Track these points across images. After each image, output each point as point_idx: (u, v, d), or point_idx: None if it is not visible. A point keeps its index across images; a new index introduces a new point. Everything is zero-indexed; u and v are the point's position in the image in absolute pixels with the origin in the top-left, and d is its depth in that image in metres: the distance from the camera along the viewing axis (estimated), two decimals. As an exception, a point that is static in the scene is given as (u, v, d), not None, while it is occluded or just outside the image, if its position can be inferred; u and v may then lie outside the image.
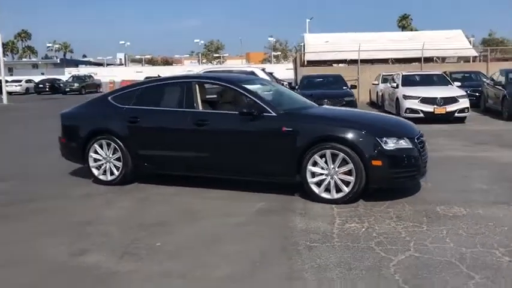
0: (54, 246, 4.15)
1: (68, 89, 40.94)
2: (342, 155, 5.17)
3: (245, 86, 6.00)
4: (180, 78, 6.65)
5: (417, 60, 24.18)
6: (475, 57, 27.70)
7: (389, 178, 5.23)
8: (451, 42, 25.93)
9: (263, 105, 5.63)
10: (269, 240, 4.21)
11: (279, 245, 4.09)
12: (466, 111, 13.39)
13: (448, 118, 13.19)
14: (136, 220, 4.86)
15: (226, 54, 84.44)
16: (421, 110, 13.22)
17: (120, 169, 6.25)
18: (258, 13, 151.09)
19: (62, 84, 42.38)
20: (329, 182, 5.27)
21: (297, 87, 19.20)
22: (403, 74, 15.71)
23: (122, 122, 6.20)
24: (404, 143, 5.26)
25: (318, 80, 16.36)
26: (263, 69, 17.44)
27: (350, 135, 5.19)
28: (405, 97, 13.71)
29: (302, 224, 4.61)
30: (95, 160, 6.40)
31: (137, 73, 47.07)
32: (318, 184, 5.32)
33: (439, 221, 4.60)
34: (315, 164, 5.31)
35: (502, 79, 15.13)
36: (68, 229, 4.62)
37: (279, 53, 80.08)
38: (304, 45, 29.20)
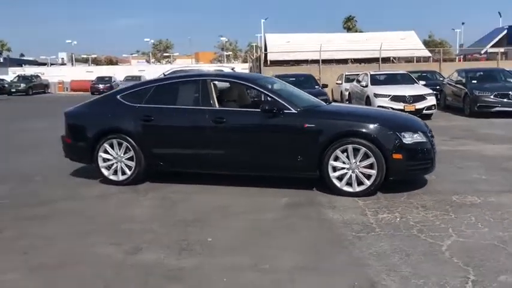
0: (103, 245, 4.09)
1: (14, 90, 39.18)
2: (363, 149, 5.40)
3: (262, 83, 6.11)
4: (195, 76, 6.65)
5: (375, 60, 25.09)
6: (429, 57, 29.14)
7: (408, 170, 5.52)
8: (405, 43, 27.13)
9: (283, 102, 5.76)
10: (315, 232, 4.36)
11: (327, 236, 4.25)
12: (433, 108, 14.12)
13: (417, 115, 13.81)
14: (172, 218, 4.85)
15: (176, 54, 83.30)
16: (392, 108, 13.74)
17: (132, 169, 6.18)
18: (207, 12, 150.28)
19: (6, 85, 40.35)
20: (350, 175, 5.49)
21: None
22: (371, 73, 16.30)
23: (134, 121, 6.13)
24: (419, 137, 5.56)
25: (291, 79, 16.61)
26: (232, 69, 17.53)
27: (372, 131, 5.43)
28: (376, 95, 14.26)
29: (337, 216, 4.79)
30: (105, 160, 6.29)
31: (88, 73, 45.62)
32: (339, 178, 5.53)
33: (462, 209, 4.91)
34: (336, 158, 5.51)
35: (460, 78, 16.07)
36: (105, 228, 4.55)
37: (230, 53, 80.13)
38: (265, 45, 29.49)
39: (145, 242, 4.14)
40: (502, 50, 39.09)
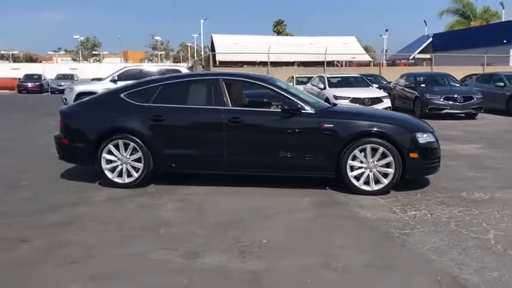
0: (155, 251, 3.88)
1: None
2: (382, 149, 5.56)
3: (276, 83, 6.09)
4: (206, 76, 6.46)
5: (320, 63, 25.81)
6: (369, 61, 30.50)
7: (422, 169, 5.75)
8: (347, 48, 28.19)
9: (300, 102, 5.79)
10: (360, 231, 4.42)
11: (374, 234, 4.32)
12: (389, 110, 14.78)
13: (375, 117, 14.44)
14: (207, 220, 4.70)
15: (106, 52, 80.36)
16: (352, 110, 14.29)
17: (140, 170, 5.91)
18: (138, 11, 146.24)
19: None
20: (368, 174, 5.63)
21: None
22: (328, 76, 16.75)
23: (142, 121, 5.87)
24: (429, 137, 5.81)
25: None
26: (189, 68, 17.28)
27: (391, 131, 5.60)
28: (336, 97, 14.65)
29: (369, 215, 4.89)
30: (108, 162, 5.97)
31: (13, 70, 42.76)
32: (357, 177, 5.65)
33: (481, 204, 5.20)
34: (354, 158, 5.63)
35: (409, 82, 16.99)
36: (145, 234, 4.32)
37: (163, 52, 78.70)
38: (212, 45, 29.29)
39: (197, 246, 3.99)
40: (428, 56, 41.75)
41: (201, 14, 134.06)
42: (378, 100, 14.66)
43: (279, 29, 76.66)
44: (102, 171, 5.97)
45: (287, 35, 67.48)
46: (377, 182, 5.64)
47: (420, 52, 42.42)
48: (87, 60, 78.86)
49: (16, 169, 7.17)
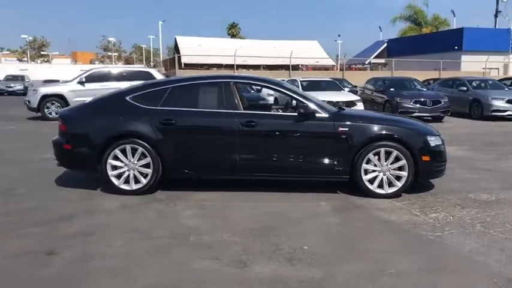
0: (198, 261, 3.72)
1: None
2: (395, 152, 5.63)
3: (288, 86, 6.04)
4: (216, 78, 6.28)
5: (285, 67, 25.99)
6: (332, 65, 31.03)
7: (433, 172, 5.86)
8: (311, 52, 28.56)
9: (313, 105, 5.77)
10: (393, 234, 4.44)
11: (409, 237, 4.34)
12: (363, 113, 15.09)
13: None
14: (235, 227, 4.56)
15: (55, 53, 77.42)
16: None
17: (149, 176, 5.69)
18: (89, 12, 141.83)
19: None
20: (381, 178, 5.69)
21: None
22: (301, 79, 16.88)
23: (152, 124, 5.65)
24: (437, 140, 5.94)
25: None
26: (158, 70, 16.98)
27: (404, 134, 5.68)
28: (311, 101, 14.80)
29: (395, 218, 4.92)
30: (114, 168, 5.70)
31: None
32: (370, 181, 5.69)
33: (492, 205, 5.35)
34: (368, 161, 5.67)
35: (378, 86, 17.45)
36: (178, 243, 4.14)
37: (116, 53, 76.78)
38: (176, 47, 28.83)
39: (239, 254, 3.86)
40: (382, 61, 43.06)
41: (153, 16, 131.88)
42: (352, 104, 14.87)
43: (233, 31, 76.59)
44: (107, 177, 5.70)
45: (241, 38, 67.67)
46: (390, 185, 5.70)
47: (376, 57, 43.68)
48: (34, 61, 75.62)
49: (3, 177, 6.73)
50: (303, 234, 4.39)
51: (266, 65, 27.84)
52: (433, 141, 5.80)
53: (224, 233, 4.38)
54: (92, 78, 16.38)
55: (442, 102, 15.63)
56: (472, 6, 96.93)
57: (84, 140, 5.76)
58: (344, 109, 6.30)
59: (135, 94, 5.91)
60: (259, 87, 6.47)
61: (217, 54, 25.17)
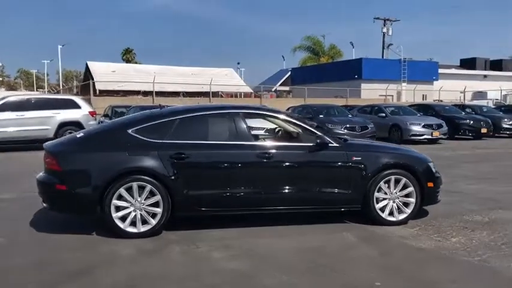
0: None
1: None
2: (404, 179, 5.79)
3: (296, 117, 5.95)
4: (223, 109, 5.93)
5: (205, 94, 25.80)
6: (250, 93, 31.43)
7: (435, 197, 6.10)
8: (229, 79, 28.71)
9: (324, 136, 5.75)
10: (439, 263, 4.50)
11: (455, 264, 4.44)
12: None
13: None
14: (286, 265, 4.33)
15: None
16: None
17: (158, 216, 5.20)
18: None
19: None
20: (391, 205, 5.80)
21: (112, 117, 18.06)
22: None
23: (161, 159, 5.20)
24: (434, 167, 6.23)
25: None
26: (82, 98, 16.03)
27: (413, 162, 5.89)
28: (252, 128, 14.81)
29: (424, 245, 4.98)
30: (118, 209, 5.13)
31: None
32: (381, 209, 5.77)
33: (494, 226, 5.68)
34: (379, 190, 5.75)
35: (307, 113, 18.04)
36: (241, 290, 3.80)
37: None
38: (86, 73, 27.19)
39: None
40: (287, 88, 44.80)
41: (38, 40, 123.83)
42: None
43: (128, 57, 74.53)
44: (110, 220, 5.10)
45: (136, 63, 66.22)
46: (400, 212, 5.82)
47: (281, 85, 45.32)
48: None
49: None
50: (358, 269, 4.28)
51: (186, 92, 27.43)
52: (434, 168, 6.07)
53: (280, 275, 4.12)
54: (7, 106, 14.83)
55: (369, 128, 16.59)
56: (364, 40, 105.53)
57: (84, 179, 5.12)
58: (347, 139, 6.36)
59: (139, 127, 5.41)
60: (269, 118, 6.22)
61: (134, 80, 24.21)
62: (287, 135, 6.23)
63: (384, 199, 5.77)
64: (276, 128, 6.86)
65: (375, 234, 5.41)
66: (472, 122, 19.37)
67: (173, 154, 5.24)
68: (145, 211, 5.19)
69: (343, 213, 5.93)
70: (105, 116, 19.18)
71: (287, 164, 5.57)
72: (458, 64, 53.74)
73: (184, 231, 5.40)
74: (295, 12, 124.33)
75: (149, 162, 5.19)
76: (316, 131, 5.78)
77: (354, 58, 41.77)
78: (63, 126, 15.11)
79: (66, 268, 4.25)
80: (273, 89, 44.78)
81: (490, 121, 19.63)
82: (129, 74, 25.50)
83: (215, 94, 27.77)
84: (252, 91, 32.78)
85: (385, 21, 48.42)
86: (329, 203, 5.74)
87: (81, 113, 15.44)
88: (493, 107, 26.36)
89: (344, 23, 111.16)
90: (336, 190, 5.66)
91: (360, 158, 5.70)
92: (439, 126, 17.72)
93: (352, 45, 47.02)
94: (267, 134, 6.79)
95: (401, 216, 5.81)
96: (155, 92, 23.24)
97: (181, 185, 5.23)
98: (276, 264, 4.40)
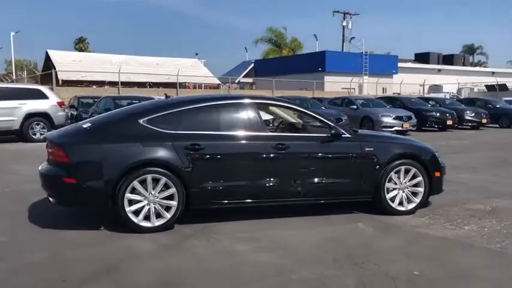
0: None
1: None
2: (414, 169, 5.84)
3: (310, 107, 5.85)
4: (235, 99, 5.74)
5: (172, 85, 25.22)
6: (218, 84, 31.03)
7: (441, 186, 6.18)
8: (196, 70, 28.23)
9: (338, 126, 5.71)
10: (465, 251, 4.55)
11: (480, 252, 4.50)
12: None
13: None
14: (316, 257, 4.27)
15: None
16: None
17: (173, 209, 5.01)
18: None
19: None
20: (401, 195, 5.84)
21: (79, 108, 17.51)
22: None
23: (176, 151, 4.99)
24: (438, 157, 6.31)
25: (127, 101, 15.35)
26: (48, 87, 15.41)
27: (421, 152, 5.94)
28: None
29: (441, 234, 5.03)
30: (131, 202, 4.90)
31: None
32: (392, 199, 5.80)
33: (499, 214, 5.80)
34: (389, 180, 5.78)
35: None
36: (291, 281, 3.69)
37: None
38: (46, 62, 25.96)
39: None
40: (251, 80, 44.70)
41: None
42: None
43: (81, 46, 71.97)
44: (124, 214, 4.86)
45: (89, 52, 64.17)
46: (409, 201, 5.87)
47: (244, 76, 45.13)
48: None
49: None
50: (390, 260, 4.25)
51: (152, 83, 26.74)
52: (439, 157, 6.16)
53: (315, 267, 4.03)
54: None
55: (343, 120, 16.74)
56: (324, 34, 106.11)
57: (95, 171, 4.84)
58: (357, 130, 6.34)
59: (150, 117, 5.16)
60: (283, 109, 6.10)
61: (96, 70, 23.34)
62: (297, 126, 6.15)
63: (394, 189, 5.80)
64: (278, 118, 6.77)
65: (388, 225, 5.42)
66: (438, 114, 19.98)
67: (188, 145, 5.04)
68: (159, 204, 4.98)
69: (350, 204, 5.92)
70: (71, 107, 18.46)
71: (303, 155, 5.49)
72: (413, 58, 55.37)
73: (196, 225, 5.22)
74: (257, 3, 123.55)
75: (164, 153, 4.97)
76: (329, 122, 5.73)
77: (317, 51, 42.09)
78: (30, 117, 14.41)
79: (88, 265, 4.00)
80: (236, 81, 44.59)
81: (455, 113, 20.30)
82: (92, 64, 24.55)
83: (181, 85, 27.31)
84: (219, 82, 32.44)
85: (344, 14, 49.22)
86: (342, 194, 5.71)
87: (49, 103, 14.73)
88: (452, 100, 27.27)
89: (304, 16, 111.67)
90: (350, 181, 5.64)
91: (372, 149, 5.69)
92: (409, 118, 18.17)
93: (316, 38, 47.55)
94: (276, 124, 6.64)
95: (410, 206, 5.86)
96: (121, 82, 22.52)
97: (196, 177, 5.05)
98: (303, 256, 4.32)
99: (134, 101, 15.44)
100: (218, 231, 5.03)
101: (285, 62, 41.66)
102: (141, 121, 5.12)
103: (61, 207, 5.34)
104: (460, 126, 21.44)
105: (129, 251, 4.40)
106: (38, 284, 3.66)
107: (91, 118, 5.73)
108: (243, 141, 5.30)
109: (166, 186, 4.98)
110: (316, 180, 5.51)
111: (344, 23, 49.33)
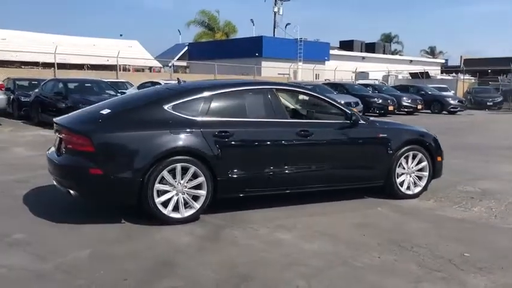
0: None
1: None
2: (420, 155, 6.07)
3: (327, 94, 5.84)
4: (257, 85, 5.55)
5: (112, 67, 23.95)
6: (160, 67, 29.86)
7: (441, 171, 6.48)
8: (134, 52, 27.02)
9: (356, 113, 5.78)
10: (490, 232, 4.81)
11: (500, 233, 4.78)
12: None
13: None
14: (363, 243, 4.33)
15: None
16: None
17: (202, 199, 4.82)
18: None
19: None
20: (408, 180, 6.05)
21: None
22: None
23: (206, 138, 4.79)
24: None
25: (77, 84, 14.37)
26: None
27: (428, 138, 6.17)
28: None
29: (459, 216, 5.31)
30: (159, 193, 4.65)
31: None
32: (400, 184, 6.00)
33: (495, 195, 6.23)
34: (399, 165, 5.96)
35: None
36: (371, 267, 3.70)
37: None
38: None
39: (417, 272, 3.69)
40: (185, 63, 43.76)
41: None
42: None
43: None
44: (153, 206, 4.59)
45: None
46: (416, 185, 6.10)
47: (178, 59, 43.98)
48: None
49: None
50: (429, 242, 4.39)
51: (91, 65, 25.20)
52: (439, 143, 6.44)
53: (369, 253, 4.08)
54: None
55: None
56: (257, 18, 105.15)
57: (124, 161, 4.52)
58: (369, 117, 6.44)
59: (175, 103, 4.89)
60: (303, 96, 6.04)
61: (32, 50, 21.52)
62: (315, 113, 6.13)
63: (402, 174, 5.99)
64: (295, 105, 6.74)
65: (404, 208, 5.60)
66: (381, 100, 20.88)
67: (217, 132, 4.85)
68: (188, 194, 4.76)
69: (357, 190, 6.02)
70: (7, 89, 16.97)
71: (326, 141, 5.51)
72: (338, 46, 57.04)
73: (222, 214, 5.07)
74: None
75: (194, 141, 4.74)
76: (346, 109, 5.77)
77: (254, 36, 42.02)
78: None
79: (138, 261, 3.76)
80: (170, 64, 43.50)
81: (395, 99, 21.31)
82: (24, 43, 22.62)
83: (122, 68, 26.13)
84: (161, 66, 31.38)
85: (276, 0, 49.48)
86: (359, 180, 5.81)
87: (-13, 86, 13.47)
88: (387, 86, 28.53)
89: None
90: (366, 166, 5.75)
91: (385, 135, 5.83)
92: (356, 104, 18.80)
93: (253, 22, 47.30)
94: (297, 111, 6.53)
95: (417, 190, 6.09)
96: (57, 63, 21.02)
97: (225, 165, 4.88)
98: (350, 242, 4.35)
99: (86, 84, 14.63)
100: (250, 220, 4.91)
101: (221, 46, 41.14)
102: (165, 107, 4.84)
103: (52, 199, 4.99)
104: (397, 112, 22.55)
105: (171, 245, 4.17)
106: (102, 283, 3.36)
107: (104, 103, 5.28)
108: (269, 128, 5.20)
109: (194, 176, 4.76)
110: (339, 166, 5.56)
111: (275, 9, 49.62)
